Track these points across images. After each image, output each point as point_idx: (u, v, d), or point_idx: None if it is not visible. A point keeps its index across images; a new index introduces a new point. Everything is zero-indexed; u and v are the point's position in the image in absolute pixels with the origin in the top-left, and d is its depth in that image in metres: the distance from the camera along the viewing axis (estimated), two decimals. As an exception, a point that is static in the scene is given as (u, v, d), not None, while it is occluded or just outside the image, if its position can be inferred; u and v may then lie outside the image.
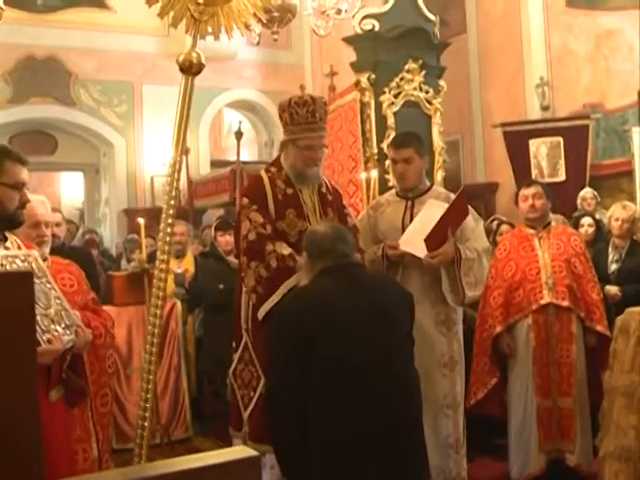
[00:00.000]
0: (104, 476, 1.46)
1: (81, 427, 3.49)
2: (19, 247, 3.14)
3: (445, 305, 4.48)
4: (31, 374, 1.19)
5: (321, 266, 3.34)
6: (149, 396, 1.94)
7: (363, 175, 4.72)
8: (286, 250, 3.83)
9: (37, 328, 2.71)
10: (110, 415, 3.83)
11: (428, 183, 4.79)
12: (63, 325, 3.00)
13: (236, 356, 4.10)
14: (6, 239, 3.08)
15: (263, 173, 4.15)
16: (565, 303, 5.03)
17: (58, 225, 5.39)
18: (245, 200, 4.04)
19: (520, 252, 5.19)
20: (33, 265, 3.00)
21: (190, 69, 2.12)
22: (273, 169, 4.15)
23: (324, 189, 4.19)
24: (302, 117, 3.99)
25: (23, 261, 2.97)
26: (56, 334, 2.90)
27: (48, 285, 3.05)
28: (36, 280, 2.89)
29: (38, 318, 2.75)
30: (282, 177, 4.08)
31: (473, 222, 4.66)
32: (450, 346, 4.53)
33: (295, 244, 3.89)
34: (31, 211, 3.69)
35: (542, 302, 5.03)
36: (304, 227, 3.92)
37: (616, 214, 6.23)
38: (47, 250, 3.69)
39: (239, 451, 1.41)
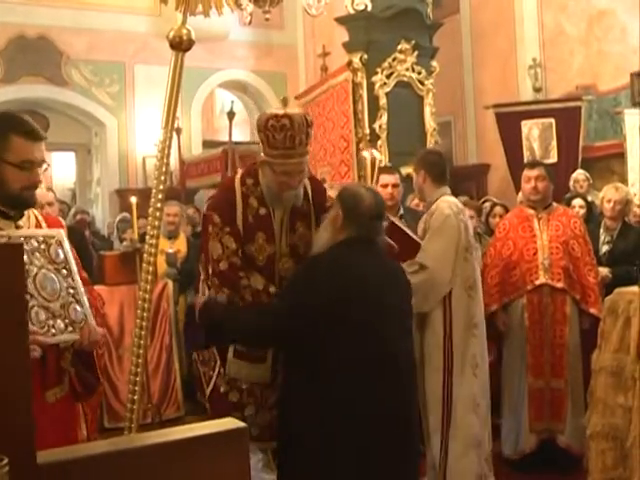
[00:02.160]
0: (94, 446, 1.48)
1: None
2: (38, 225, 2.86)
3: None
4: (22, 343, 1.20)
5: (351, 233, 3.32)
6: (139, 370, 1.95)
7: (367, 154, 4.58)
8: (260, 284, 3.67)
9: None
10: (100, 396, 3.84)
11: (436, 196, 4.64)
12: (67, 321, 2.69)
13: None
14: (21, 216, 2.80)
15: (237, 185, 3.83)
16: (560, 284, 5.05)
17: (50, 205, 5.38)
18: (216, 219, 3.75)
19: (519, 232, 5.21)
20: (52, 248, 2.71)
21: (180, 45, 2.12)
22: (249, 181, 3.82)
23: (299, 202, 3.86)
24: (279, 142, 3.58)
25: (41, 242, 2.69)
26: (43, 330, 2.57)
27: (64, 272, 2.74)
28: (49, 266, 2.66)
29: (34, 310, 2.52)
30: (257, 193, 3.78)
31: (435, 228, 4.53)
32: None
33: (263, 268, 3.74)
34: None
35: (537, 282, 5.06)
36: (272, 251, 3.75)
37: (608, 195, 6.24)
38: None
39: (227, 423, 1.42)
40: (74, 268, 2.77)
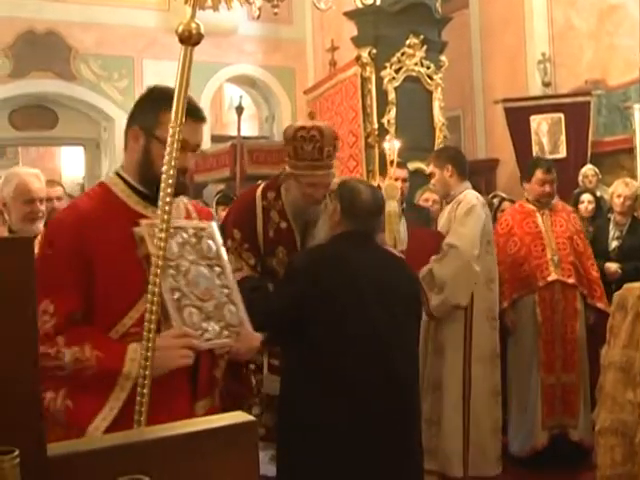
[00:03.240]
0: (104, 439, 1.49)
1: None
2: (188, 216, 2.58)
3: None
4: (31, 336, 1.21)
5: (349, 226, 3.35)
6: (148, 363, 1.95)
7: (387, 145, 4.61)
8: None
9: (180, 321, 2.25)
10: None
11: (461, 189, 4.82)
12: (222, 324, 2.39)
13: None
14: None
15: (258, 200, 3.85)
16: (571, 280, 5.07)
17: (59, 199, 5.36)
18: (236, 234, 3.78)
19: (524, 228, 5.21)
20: (203, 242, 2.44)
21: (189, 39, 2.11)
22: (270, 195, 3.84)
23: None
24: (307, 153, 3.60)
25: (192, 235, 2.41)
26: (198, 332, 2.29)
27: (217, 269, 2.47)
28: (201, 261, 2.40)
29: (187, 310, 2.27)
30: (278, 207, 3.80)
31: (455, 210, 4.69)
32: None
33: None
34: (25, 186, 3.65)
35: (550, 279, 5.07)
36: None
37: (618, 191, 6.24)
38: (40, 226, 3.67)
39: (236, 416, 1.43)
40: (227, 265, 2.52)
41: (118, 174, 2.57)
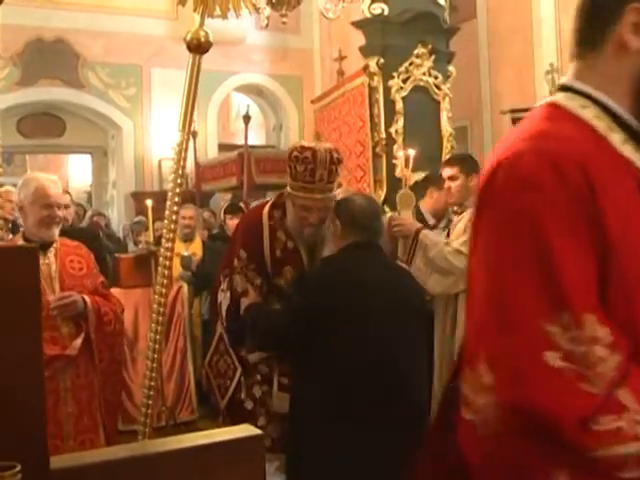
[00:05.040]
0: (108, 452, 1.47)
1: (88, 417, 3.48)
2: None
3: None
4: (36, 348, 1.19)
5: (353, 239, 3.34)
6: (154, 375, 1.93)
7: (401, 153, 4.57)
8: None
9: None
10: (119, 403, 3.83)
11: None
12: None
13: (211, 347, 4.09)
14: None
15: (265, 219, 3.81)
16: None
17: (66, 207, 5.36)
18: (242, 254, 3.76)
19: None
20: None
21: (198, 48, 2.11)
22: (277, 214, 3.80)
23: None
24: (300, 174, 3.54)
25: None
26: None
27: None
28: None
29: None
30: (284, 226, 3.76)
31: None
32: None
33: None
34: (44, 191, 3.64)
35: None
36: None
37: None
38: (56, 232, 3.68)
39: (242, 430, 1.41)
40: None
41: (590, 96, 1.51)
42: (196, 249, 7.29)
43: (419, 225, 4.54)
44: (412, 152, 4.53)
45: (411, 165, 4.54)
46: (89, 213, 11.18)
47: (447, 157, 6.61)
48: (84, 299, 3.52)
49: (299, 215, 3.63)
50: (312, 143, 3.70)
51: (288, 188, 3.67)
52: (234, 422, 3.69)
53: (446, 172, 4.79)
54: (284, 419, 3.62)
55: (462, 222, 4.62)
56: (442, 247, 4.37)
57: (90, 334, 3.50)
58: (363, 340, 3.14)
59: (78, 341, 3.44)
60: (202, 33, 2.11)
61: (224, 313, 3.83)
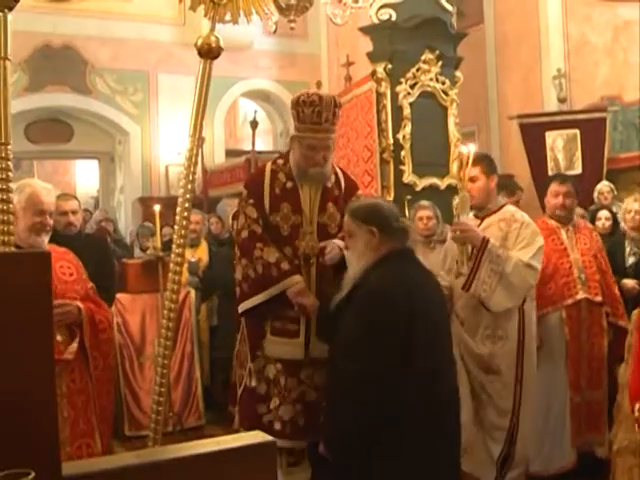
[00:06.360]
0: (119, 459, 1.46)
1: (84, 421, 3.47)
2: None
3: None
4: (48, 353, 1.19)
5: (392, 246, 3.23)
6: (163, 381, 1.93)
7: (464, 149, 4.20)
8: (272, 257, 3.86)
9: None
10: (113, 409, 3.82)
11: (498, 204, 4.63)
12: None
13: (238, 338, 4.24)
14: None
15: (268, 165, 4.19)
16: (598, 298, 5.04)
17: (74, 212, 5.35)
18: (244, 192, 4.13)
19: (549, 244, 5.10)
20: None
21: (208, 53, 2.11)
22: (280, 161, 4.16)
23: (330, 184, 4.11)
24: (307, 116, 3.93)
25: None
26: None
27: None
28: None
29: None
30: (285, 170, 4.08)
31: (518, 229, 4.46)
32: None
33: (287, 238, 3.95)
34: (37, 198, 3.63)
35: (578, 297, 5.01)
36: (298, 221, 3.97)
37: (628, 206, 6.23)
38: (46, 239, 3.64)
39: (254, 436, 1.40)
40: None
41: None
42: (202, 254, 7.29)
43: (482, 234, 4.30)
44: (473, 147, 4.22)
45: (471, 160, 4.22)
46: (98, 218, 11.17)
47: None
48: (78, 307, 3.49)
49: (305, 155, 3.98)
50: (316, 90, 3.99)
51: (294, 132, 4.07)
52: (246, 411, 3.98)
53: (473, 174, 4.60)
54: (295, 402, 3.80)
55: (495, 230, 4.47)
56: (518, 262, 4.24)
57: (85, 342, 3.48)
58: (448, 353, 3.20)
59: (74, 345, 3.42)
60: (213, 38, 2.11)
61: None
